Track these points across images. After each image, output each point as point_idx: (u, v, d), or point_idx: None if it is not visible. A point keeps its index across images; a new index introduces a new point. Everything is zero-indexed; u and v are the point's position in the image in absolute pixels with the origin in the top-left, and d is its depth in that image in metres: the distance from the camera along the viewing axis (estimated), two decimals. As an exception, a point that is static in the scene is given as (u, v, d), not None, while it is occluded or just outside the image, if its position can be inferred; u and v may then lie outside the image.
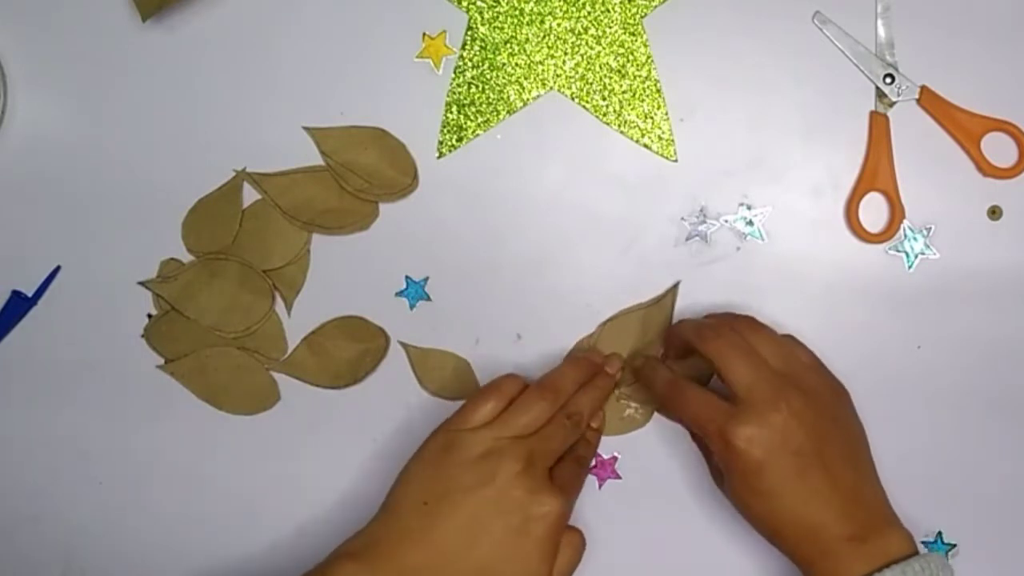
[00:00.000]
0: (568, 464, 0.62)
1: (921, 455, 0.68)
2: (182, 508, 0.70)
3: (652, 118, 0.68)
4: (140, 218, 0.70)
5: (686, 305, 0.69)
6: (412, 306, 0.69)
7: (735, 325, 0.61)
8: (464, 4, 0.69)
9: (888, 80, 0.68)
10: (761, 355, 0.59)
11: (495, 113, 0.69)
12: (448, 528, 0.58)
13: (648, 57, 0.68)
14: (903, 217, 0.68)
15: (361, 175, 0.68)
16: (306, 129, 0.69)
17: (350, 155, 0.68)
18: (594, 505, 0.69)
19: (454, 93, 0.69)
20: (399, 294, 0.69)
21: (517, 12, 0.69)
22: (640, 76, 0.68)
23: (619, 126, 0.69)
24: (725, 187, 0.69)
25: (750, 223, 0.69)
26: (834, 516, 0.57)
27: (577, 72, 0.69)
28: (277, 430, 0.70)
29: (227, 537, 0.70)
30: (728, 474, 0.59)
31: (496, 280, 0.69)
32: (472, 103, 0.69)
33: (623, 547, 0.69)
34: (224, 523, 0.70)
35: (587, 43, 0.69)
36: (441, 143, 0.69)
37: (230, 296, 0.69)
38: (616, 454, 0.69)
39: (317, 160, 0.69)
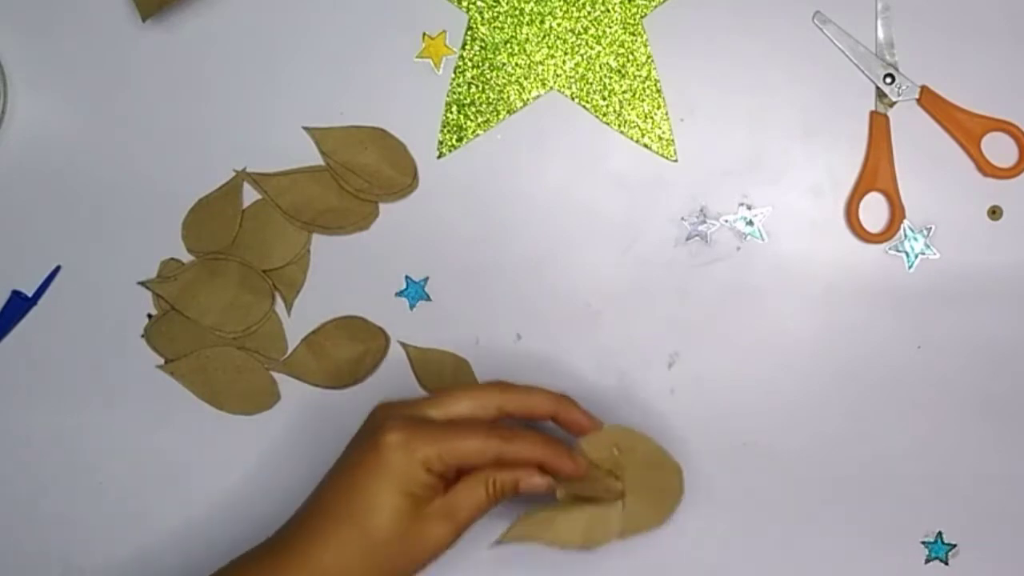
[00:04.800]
0: (472, 480, 0.58)
1: (921, 455, 0.68)
2: (182, 508, 0.70)
3: (652, 118, 0.68)
4: (140, 218, 0.70)
5: (686, 305, 0.69)
6: (412, 306, 0.69)
7: None
8: (464, 4, 0.69)
9: (888, 80, 0.68)
10: None
11: (495, 113, 0.69)
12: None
13: (648, 57, 0.68)
14: (903, 217, 0.68)
15: (361, 175, 0.68)
16: (306, 129, 0.69)
17: (350, 155, 0.68)
18: (594, 505, 0.69)
19: (454, 93, 0.69)
20: (399, 294, 0.69)
21: (517, 12, 0.69)
22: (640, 76, 0.68)
23: (619, 126, 0.69)
24: (725, 187, 0.69)
25: (750, 223, 0.69)
26: None
27: (577, 72, 0.69)
28: (277, 430, 0.70)
29: (227, 537, 0.70)
30: None
31: (496, 280, 0.69)
32: (472, 103, 0.69)
33: (623, 547, 0.69)
34: (224, 523, 0.70)
35: (587, 43, 0.69)
36: (441, 143, 0.69)
37: (230, 296, 0.69)
38: (616, 454, 0.69)
39: (317, 160, 0.69)
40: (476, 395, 0.60)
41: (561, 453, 0.59)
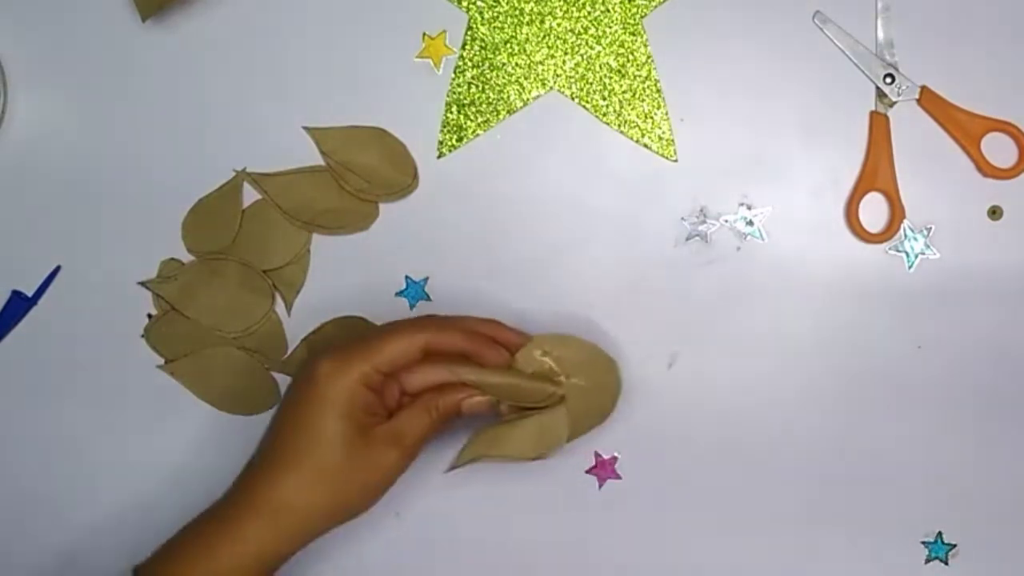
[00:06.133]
0: (416, 406, 0.60)
1: (921, 455, 0.68)
2: (182, 508, 0.70)
3: (652, 118, 0.68)
4: (140, 218, 0.70)
5: (686, 305, 0.69)
6: (412, 306, 0.69)
7: None
8: (464, 4, 0.69)
9: (888, 80, 0.68)
10: None
11: (495, 113, 0.69)
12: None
13: (648, 57, 0.68)
14: (903, 217, 0.68)
15: (361, 175, 0.68)
16: (306, 129, 0.69)
17: (350, 155, 0.68)
18: (594, 505, 0.69)
19: (454, 93, 0.69)
20: (399, 294, 0.69)
21: (517, 12, 0.69)
22: (640, 76, 0.68)
23: (619, 126, 0.69)
24: (725, 187, 0.69)
25: (750, 223, 0.69)
26: None
27: (577, 72, 0.69)
28: (277, 430, 0.70)
29: (227, 537, 0.70)
30: None
31: (496, 280, 0.69)
32: (472, 103, 0.69)
33: (623, 547, 0.69)
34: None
35: (587, 43, 0.69)
36: (441, 143, 0.69)
37: (230, 296, 0.69)
38: (616, 454, 0.69)
39: (317, 160, 0.69)
40: (404, 333, 0.60)
41: (483, 343, 0.61)
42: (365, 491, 0.59)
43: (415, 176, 0.69)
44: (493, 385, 0.60)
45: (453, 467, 0.63)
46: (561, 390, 0.62)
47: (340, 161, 0.68)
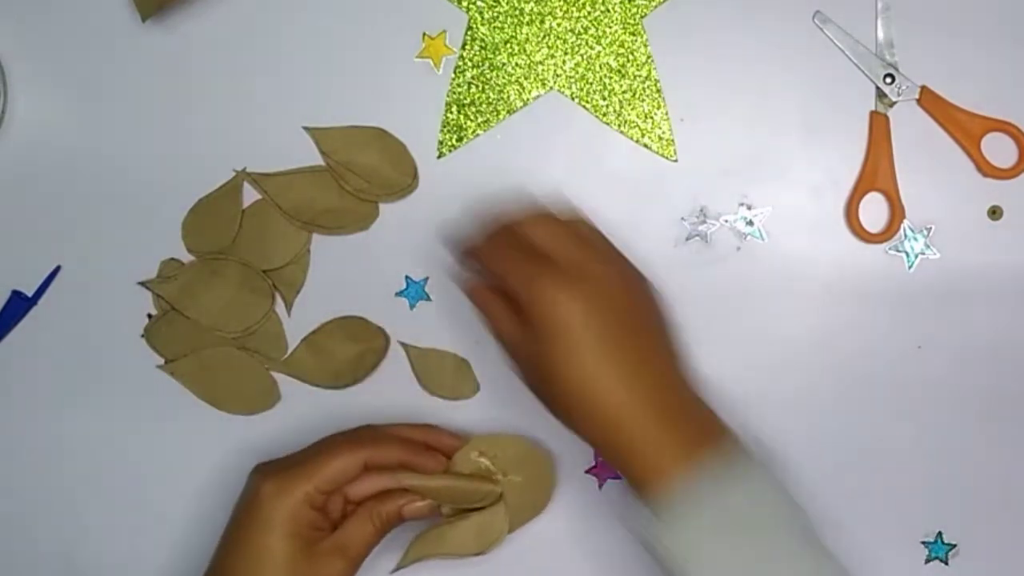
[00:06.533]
0: (358, 516, 0.61)
1: (921, 455, 0.68)
2: (182, 508, 0.70)
3: (652, 118, 0.69)
4: (140, 218, 0.70)
5: (686, 305, 0.69)
6: (412, 306, 0.69)
7: (514, 232, 0.59)
8: (464, 4, 0.69)
9: (888, 80, 0.68)
10: (549, 255, 0.57)
11: (495, 113, 0.69)
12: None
13: (648, 57, 0.68)
14: (903, 217, 0.68)
15: (361, 175, 0.68)
16: (306, 129, 0.69)
17: (350, 155, 0.68)
18: (594, 505, 0.69)
19: (454, 93, 0.69)
20: (399, 294, 0.69)
21: (517, 12, 0.69)
22: (640, 76, 0.68)
23: (619, 126, 0.69)
24: (725, 187, 0.69)
25: (750, 223, 0.69)
26: (644, 401, 0.55)
27: (577, 72, 0.69)
28: (277, 430, 0.70)
29: (227, 537, 0.70)
30: (534, 345, 0.56)
31: (496, 280, 0.69)
32: (472, 103, 0.69)
33: (623, 547, 0.69)
34: (224, 523, 0.70)
35: (587, 43, 0.69)
36: (441, 143, 0.69)
37: (230, 296, 0.69)
38: (616, 454, 0.69)
39: (317, 160, 0.69)
40: (343, 451, 0.61)
41: (420, 451, 0.62)
42: None
43: (415, 176, 0.69)
44: (432, 489, 0.62)
45: (399, 567, 0.64)
46: (499, 488, 0.64)
47: (340, 161, 0.68)
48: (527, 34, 0.69)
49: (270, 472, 0.60)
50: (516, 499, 0.64)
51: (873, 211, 0.68)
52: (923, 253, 0.68)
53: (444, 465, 0.63)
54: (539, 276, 0.56)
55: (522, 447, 0.65)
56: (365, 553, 0.61)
